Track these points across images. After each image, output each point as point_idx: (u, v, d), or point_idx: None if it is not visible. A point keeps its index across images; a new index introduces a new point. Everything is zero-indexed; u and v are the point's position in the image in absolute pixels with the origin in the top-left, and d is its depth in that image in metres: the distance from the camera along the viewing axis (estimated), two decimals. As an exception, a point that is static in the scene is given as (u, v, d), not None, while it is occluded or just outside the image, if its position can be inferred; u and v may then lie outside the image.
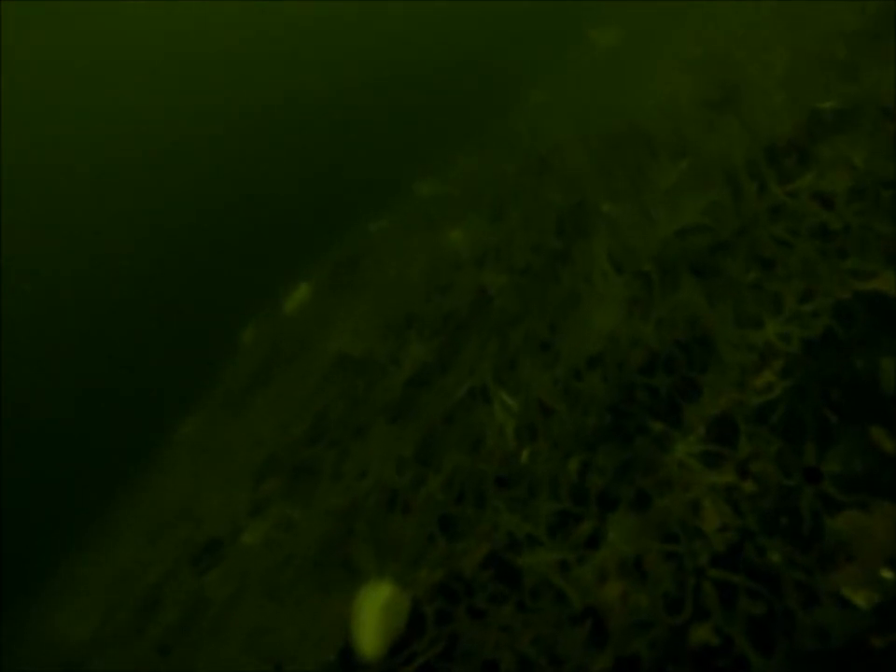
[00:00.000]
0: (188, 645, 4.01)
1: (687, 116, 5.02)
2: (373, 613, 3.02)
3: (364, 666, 2.91)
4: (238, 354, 9.79)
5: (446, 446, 3.84)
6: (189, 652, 3.94)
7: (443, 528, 3.31)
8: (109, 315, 11.98)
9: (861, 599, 1.93)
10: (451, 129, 10.39)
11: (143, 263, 11.77)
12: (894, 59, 3.33)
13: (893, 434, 2.27)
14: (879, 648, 1.81)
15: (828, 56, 3.99)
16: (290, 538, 4.39)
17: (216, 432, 6.56)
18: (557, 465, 3.05)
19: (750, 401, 2.59)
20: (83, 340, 10.93)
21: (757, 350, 2.74)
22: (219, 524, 4.76)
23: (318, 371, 5.80)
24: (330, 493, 4.54)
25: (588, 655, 2.29)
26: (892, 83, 3.11)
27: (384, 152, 11.09)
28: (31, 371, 10.74)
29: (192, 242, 11.24)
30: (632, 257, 3.83)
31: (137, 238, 12.00)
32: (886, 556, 1.97)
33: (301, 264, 10.24)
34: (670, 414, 2.85)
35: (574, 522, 2.80)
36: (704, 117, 4.85)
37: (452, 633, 2.71)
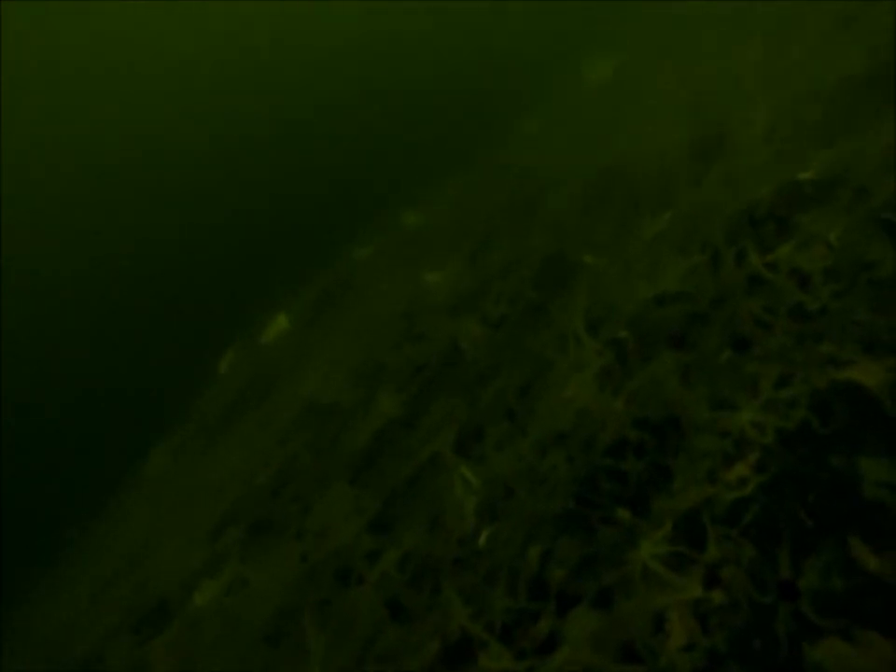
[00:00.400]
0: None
1: (671, 167, 4.91)
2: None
3: None
4: (214, 383, 9.55)
5: (407, 515, 3.61)
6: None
7: (395, 614, 3.07)
8: (90, 335, 11.73)
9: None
10: (441, 155, 10.31)
11: (125, 287, 11.57)
12: (870, 129, 3.21)
13: (875, 547, 2.07)
14: None
15: (805, 118, 3.88)
16: (243, 603, 4.12)
17: (179, 472, 6.30)
18: (517, 551, 2.83)
19: (722, 497, 2.39)
20: (58, 365, 10.68)
21: (731, 437, 2.54)
22: (170, 581, 4.49)
23: (288, 414, 5.57)
24: (288, 556, 4.29)
25: None
26: (866, 156, 2.98)
27: (372, 179, 11.00)
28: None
29: (174, 268, 11.05)
30: (609, 320, 3.66)
31: (122, 261, 11.82)
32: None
33: (284, 290, 10.07)
34: (638, 503, 2.65)
35: (531, 620, 2.57)
36: (688, 169, 4.73)
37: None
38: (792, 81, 4.37)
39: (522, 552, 2.82)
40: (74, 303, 11.41)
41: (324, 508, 4.50)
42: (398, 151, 10.24)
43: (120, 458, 7.60)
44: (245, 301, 10.57)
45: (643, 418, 2.92)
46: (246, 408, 6.81)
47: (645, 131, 5.87)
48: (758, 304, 2.84)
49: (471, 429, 3.82)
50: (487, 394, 4.03)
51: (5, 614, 4.91)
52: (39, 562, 5.83)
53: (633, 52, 8.72)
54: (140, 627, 4.01)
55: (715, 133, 4.74)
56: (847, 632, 1.94)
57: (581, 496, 2.80)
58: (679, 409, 2.83)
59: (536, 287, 4.70)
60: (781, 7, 5.46)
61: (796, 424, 2.38)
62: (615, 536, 2.62)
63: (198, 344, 10.65)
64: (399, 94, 11.36)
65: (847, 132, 3.67)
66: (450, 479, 3.45)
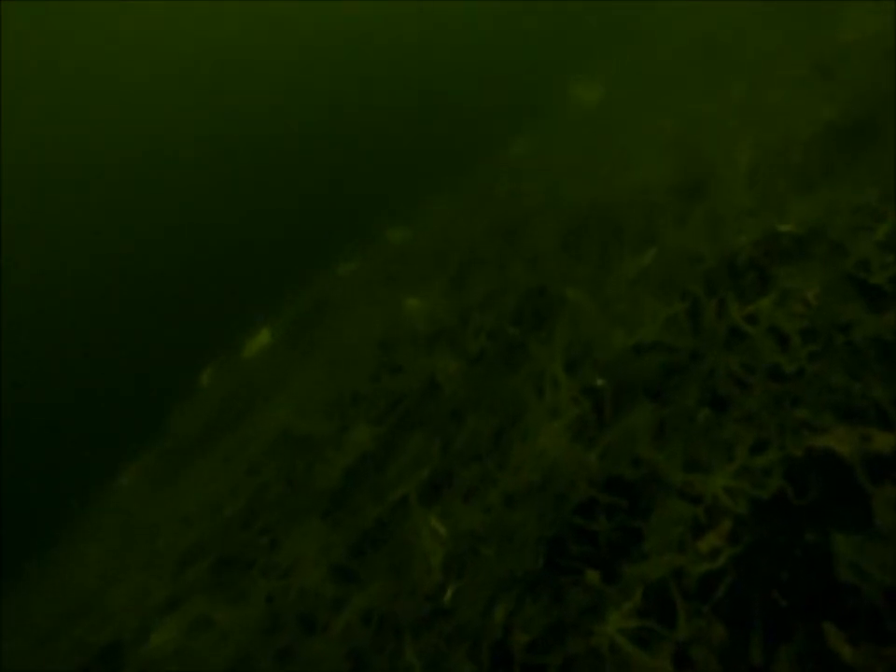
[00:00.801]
0: None
1: (656, 202, 4.86)
2: None
3: None
4: (194, 396, 9.38)
5: (374, 561, 3.50)
6: None
7: (357, 670, 2.94)
8: (69, 345, 11.50)
9: None
10: (427, 173, 10.26)
11: (111, 296, 11.38)
12: (847, 178, 3.17)
13: (850, 635, 1.99)
14: None
15: (786, 162, 3.85)
16: (202, 646, 3.97)
17: (146, 497, 6.13)
18: (482, 612, 2.73)
19: (693, 568, 2.30)
20: (33, 374, 10.45)
21: (704, 503, 2.46)
22: (127, 619, 4.32)
23: (260, 444, 5.44)
24: (253, 595, 4.15)
25: None
26: (843, 209, 2.94)
27: (358, 194, 10.93)
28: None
29: (157, 279, 10.89)
30: (586, 363, 3.58)
31: (104, 271, 11.64)
32: None
33: (268, 304, 9.94)
34: (608, 567, 2.56)
35: (494, 690, 2.47)
36: (673, 206, 4.68)
37: None
38: (775, 124, 4.35)
39: (487, 612, 2.71)
40: (51, 312, 11.21)
41: (292, 544, 4.37)
42: (384, 166, 10.19)
43: (90, 476, 7.41)
44: (229, 314, 10.42)
45: (616, 475, 2.84)
46: (221, 430, 6.66)
47: (631, 162, 5.84)
48: (737, 361, 2.77)
49: (443, 473, 3.72)
50: (462, 435, 3.93)
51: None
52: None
53: (620, 81, 8.73)
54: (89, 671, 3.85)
55: (700, 171, 4.70)
56: (817, 727, 1.85)
57: (550, 556, 2.70)
58: (653, 468, 2.74)
59: (515, 322, 4.62)
60: (764, 51, 5.49)
61: (771, 493, 2.30)
62: (583, 601, 2.52)
63: (180, 356, 10.48)
64: (386, 110, 11.33)
65: (826, 179, 3.64)
66: (418, 526, 3.34)
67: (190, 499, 5.46)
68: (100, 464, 7.54)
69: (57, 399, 10.03)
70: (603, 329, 3.87)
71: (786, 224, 3.13)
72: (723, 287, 3.23)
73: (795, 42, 5.39)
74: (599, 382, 3.32)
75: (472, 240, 6.73)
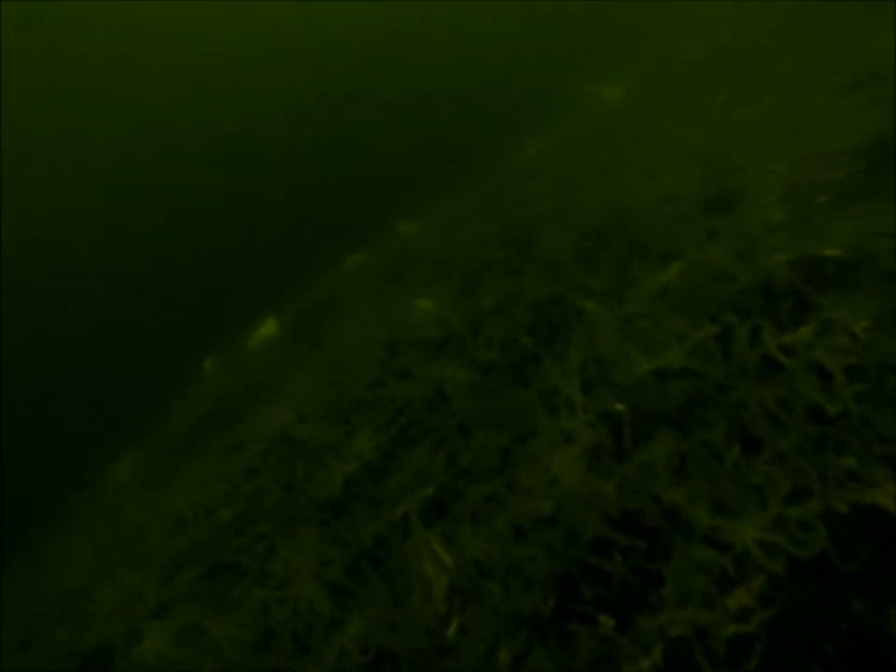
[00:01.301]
0: None
1: (682, 213, 4.64)
2: None
3: None
4: (197, 383, 9.23)
5: (373, 581, 3.32)
6: None
7: (350, 705, 2.78)
8: (75, 329, 11.36)
9: None
10: (441, 168, 10.03)
11: (119, 277, 11.24)
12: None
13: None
14: None
15: (827, 178, 3.62)
16: (192, 657, 3.82)
17: (140, 492, 5.98)
18: (486, 651, 2.55)
19: (720, 629, 2.11)
20: (37, 357, 10.34)
21: (732, 553, 2.27)
22: (114, 624, 4.17)
23: (260, 443, 5.27)
24: (248, 604, 3.99)
25: None
26: (893, 233, 2.72)
27: (371, 184, 10.71)
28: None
29: (166, 265, 10.74)
30: (604, 383, 3.38)
31: (116, 251, 11.49)
32: None
33: (275, 294, 9.78)
34: (622, 613, 2.37)
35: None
36: (700, 218, 4.46)
37: None
38: (813, 135, 4.11)
39: (491, 654, 2.54)
40: (65, 294, 11.09)
41: (289, 554, 4.20)
42: (398, 159, 9.96)
43: (83, 468, 7.28)
44: (237, 302, 10.27)
45: (633, 511, 2.65)
46: (220, 425, 6.50)
47: (655, 168, 5.60)
48: (771, 396, 2.57)
49: (448, 491, 3.54)
50: (468, 451, 3.74)
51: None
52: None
53: (644, 82, 8.46)
54: (76, 679, 3.71)
55: (730, 182, 4.47)
56: None
57: (560, 596, 2.52)
58: (675, 506, 2.55)
59: (530, 332, 4.42)
60: (801, 57, 5.22)
61: (811, 552, 2.10)
62: (596, 650, 2.34)
63: (184, 342, 10.35)
64: (403, 106, 11.10)
65: (871, 197, 3.41)
66: (420, 549, 3.16)
67: (185, 499, 5.31)
68: (96, 453, 7.42)
69: (56, 383, 9.91)
70: (622, 346, 3.67)
71: (830, 248, 2.91)
72: (757, 311, 3.02)
73: (835, 48, 5.13)
74: (618, 407, 3.12)
75: (485, 242, 6.52)
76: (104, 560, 4.84)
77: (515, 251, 5.93)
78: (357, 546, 3.67)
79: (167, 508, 5.23)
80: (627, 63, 9.90)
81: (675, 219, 4.57)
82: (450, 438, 3.94)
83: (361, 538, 3.72)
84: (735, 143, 4.96)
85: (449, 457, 3.82)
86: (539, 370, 4.06)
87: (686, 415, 2.86)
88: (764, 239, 3.61)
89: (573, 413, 3.29)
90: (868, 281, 2.68)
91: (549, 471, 3.09)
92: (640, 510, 2.64)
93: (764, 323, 2.89)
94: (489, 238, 6.51)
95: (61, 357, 10.33)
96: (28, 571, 5.71)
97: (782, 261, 3.19)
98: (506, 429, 3.72)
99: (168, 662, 3.87)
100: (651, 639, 2.22)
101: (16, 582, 5.52)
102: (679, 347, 3.11)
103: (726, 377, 2.84)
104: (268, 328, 9.20)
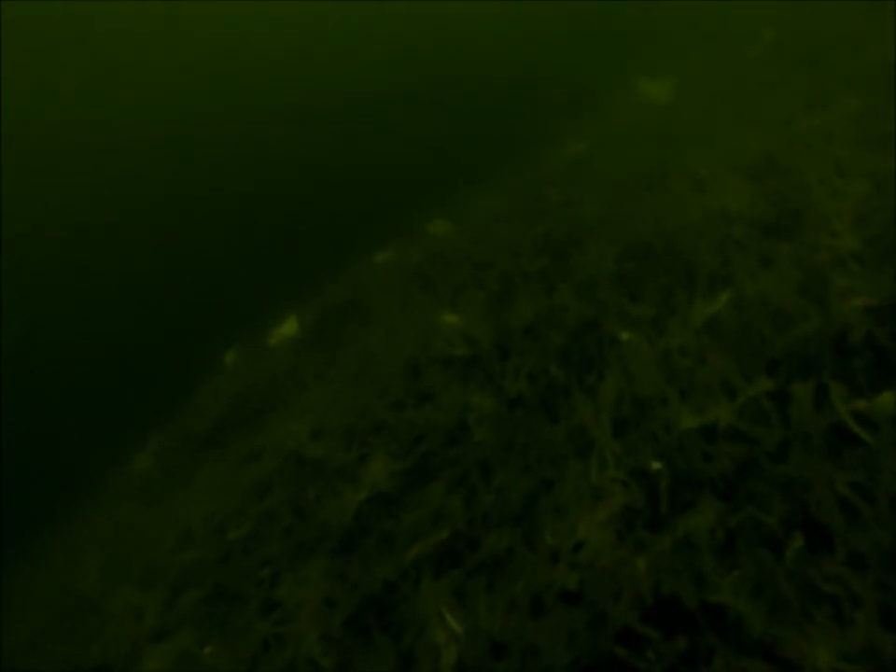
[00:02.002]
0: None
1: (735, 235, 4.21)
2: None
3: None
4: (218, 376, 9.16)
5: (378, 638, 3.08)
6: None
7: None
8: (99, 319, 11.44)
9: None
10: (476, 166, 9.67)
11: (138, 268, 11.27)
12: None
13: None
14: None
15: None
16: (189, 689, 3.67)
17: (152, 495, 5.88)
18: (496, 746, 2.28)
19: None
20: (60, 342, 10.44)
21: None
22: (117, 643, 4.05)
23: (273, 458, 5.08)
24: (249, 635, 3.81)
25: None
26: None
27: (402, 181, 10.41)
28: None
29: (192, 254, 10.70)
30: (639, 434, 3.04)
31: (133, 243, 11.52)
32: None
33: (298, 289, 9.61)
34: (654, 723, 2.06)
35: None
36: (755, 242, 4.03)
37: None
38: (898, 156, 3.64)
39: (501, 749, 2.26)
40: (88, 286, 11.18)
41: (294, 586, 3.99)
42: (431, 155, 9.64)
43: (105, 456, 7.26)
44: (260, 297, 10.16)
45: (670, 595, 2.32)
46: (237, 426, 6.36)
47: (705, 181, 5.15)
48: (843, 478, 2.20)
49: (464, 539, 3.26)
50: (489, 492, 3.45)
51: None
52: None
53: (696, 79, 7.92)
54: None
55: (793, 201, 4.03)
56: None
57: (583, 693, 2.22)
58: (721, 597, 2.21)
59: (561, 361, 4.08)
60: (885, 59, 4.68)
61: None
62: None
63: (207, 334, 10.31)
64: (439, 101, 10.74)
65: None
66: (430, 609, 2.89)
67: (196, 509, 5.17)
68: (113, 445, 7.39)
69: (77, 370, 9.99)
70: (660, 387, 3.31)
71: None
72: (825, 366, 2.63)
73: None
74: (655, 465, 2.78)
75: (519, 251, 6.16)
76: (111, 571, 4.75)
77: (550, 263, 5.57)
78: (364, 589, 3.44)
79: (178, 518, 5.10)
80: (677, 59, 9.32)
81: (726, 241, 4.15)
82: (470, 474, 3.65)
83: (370, 580, 3.48)
84: (799, 155, 4.49)
85: (467, 497, 3.54)
86: (568, 404, 3.73)
87: (734, 485, 2.51)
88: (834, 273, 3.18)
89: (604, 466, 2.96)
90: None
91: (574, 532, 2.78)
92: (677, 595, 2.31)
93: (834, 383, 2.50)
94: (524, 247, 6.15)
95: (81, 347, 10.41)
96: (34, 575, 5.69)
97: (858, 307, 2.77)
98: (530, 471, 3.42)
99: (165, 691, 3.72)
100: None
101: (21, 587, 5.51)
102: (728, 402, 2.75)
103: (783, 445, 2.47)
104: (288, 326, 9.04)
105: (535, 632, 2.44)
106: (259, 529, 4.54)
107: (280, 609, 3.82)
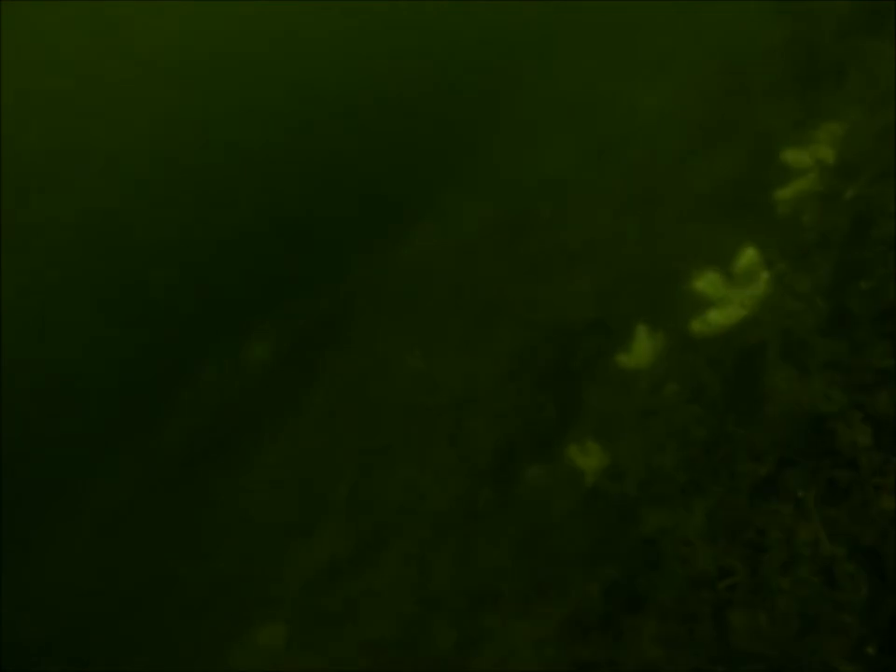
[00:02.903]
0: None
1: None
2: None
3: None
4: (196, 392, 8.98)
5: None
6: None
7: None
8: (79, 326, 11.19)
9: None
10: (461, 172, 9.25)
11: (127, 277, 11.05)
12: None
13: None
14: None
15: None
16: None
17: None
18: None
19: None
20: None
21: None
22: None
23: (231, 514, 4.89)
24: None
25: None
26: None
27: (386, 189, 10.01)
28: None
29: (176, 268, 10.47)
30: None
31: (124, 252, 11.26)
32: None
33: (271, 307, 9.30)
34: None
35: None
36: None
37: None
38: None
39: None
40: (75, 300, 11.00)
41: (245, 651, 3.82)
42: (409, 166, 9.28)
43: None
44: (236, 311, 9.90)
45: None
46: (206, 465, 6.17)
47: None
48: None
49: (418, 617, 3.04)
50: (441, 577, 3.21)
51: None
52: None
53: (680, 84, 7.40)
54: None
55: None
56: None
57: None
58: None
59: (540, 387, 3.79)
60: None
61: None
62: None
63: (184, 350, 10.08)
64: (426, 107, 10.30)
65: None
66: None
67: (157, 554, 5.00)
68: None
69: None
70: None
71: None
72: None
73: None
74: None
75: (501, 276, 5.86)
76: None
77: (533, 289, 5.25)
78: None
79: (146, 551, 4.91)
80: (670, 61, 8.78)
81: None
82: (421, 553, 3.41)
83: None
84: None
85: (420, 572, 3.30)
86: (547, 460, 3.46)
87: None
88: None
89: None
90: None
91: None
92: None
93: None
94: (507, 270, 5.85)
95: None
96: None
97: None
98: (483, 559, 3.15)
99: None
100: None
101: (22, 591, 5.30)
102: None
103: None
104: (260, 350, 8.87)
105: None
106: (213, 592, 4.33)
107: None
